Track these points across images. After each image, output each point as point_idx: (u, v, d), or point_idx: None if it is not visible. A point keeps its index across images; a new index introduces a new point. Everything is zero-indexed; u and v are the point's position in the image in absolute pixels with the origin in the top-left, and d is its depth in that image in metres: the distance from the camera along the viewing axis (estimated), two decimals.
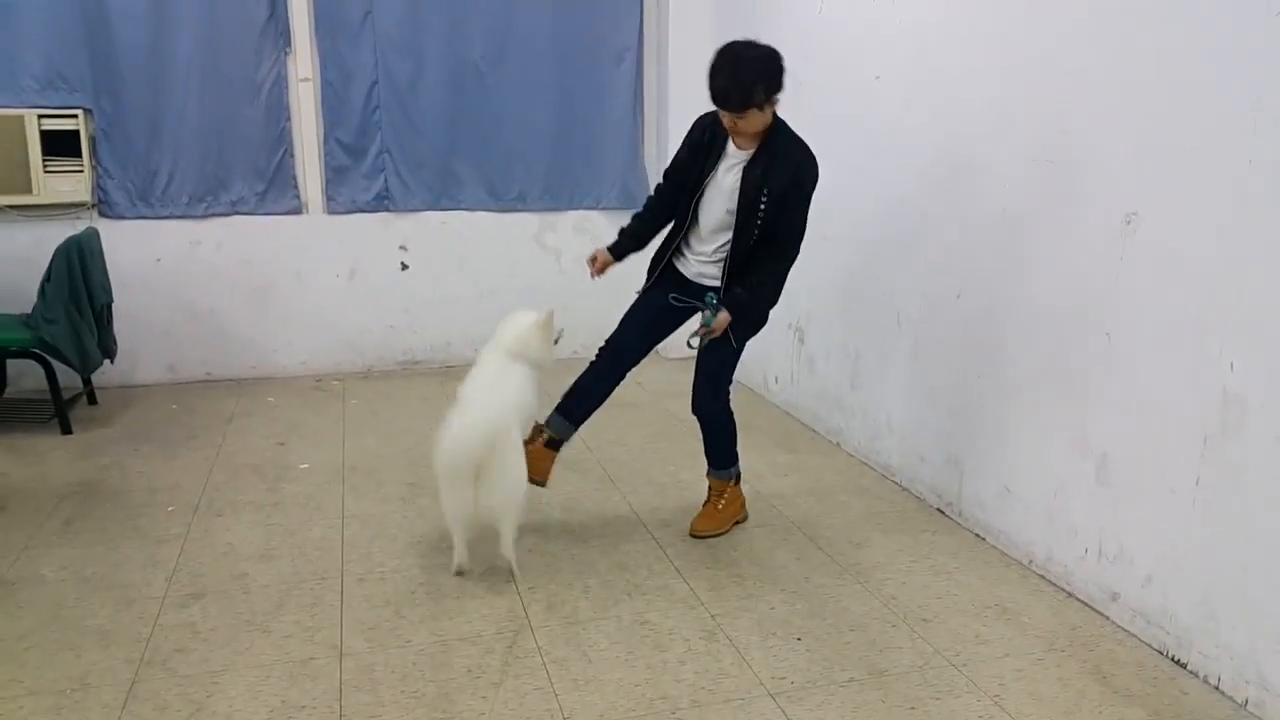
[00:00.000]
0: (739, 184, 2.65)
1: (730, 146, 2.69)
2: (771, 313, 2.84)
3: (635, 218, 2.96)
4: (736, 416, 2.95)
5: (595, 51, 4.87)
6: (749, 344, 2.85)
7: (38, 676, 2.20)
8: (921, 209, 3.22)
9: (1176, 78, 2.20)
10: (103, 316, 4.02)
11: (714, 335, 2.71)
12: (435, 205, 4.83)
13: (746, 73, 2.48)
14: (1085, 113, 2.46)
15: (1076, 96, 2.49)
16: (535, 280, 5.02)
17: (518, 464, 2.55)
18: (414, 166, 4.76)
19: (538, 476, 2.81)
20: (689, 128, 2.78)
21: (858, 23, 3.56)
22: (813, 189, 2.68)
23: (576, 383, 2.92)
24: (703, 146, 2.72)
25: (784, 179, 2.61)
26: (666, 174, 2.88)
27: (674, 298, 2.83)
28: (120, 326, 4.24)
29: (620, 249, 2.94)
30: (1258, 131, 2.01)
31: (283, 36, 4.46)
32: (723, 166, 2.69)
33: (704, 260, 2.80)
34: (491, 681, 2.18)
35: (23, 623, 2.43)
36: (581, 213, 5.04)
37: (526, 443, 2.71)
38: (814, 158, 2.66)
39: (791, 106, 4.19)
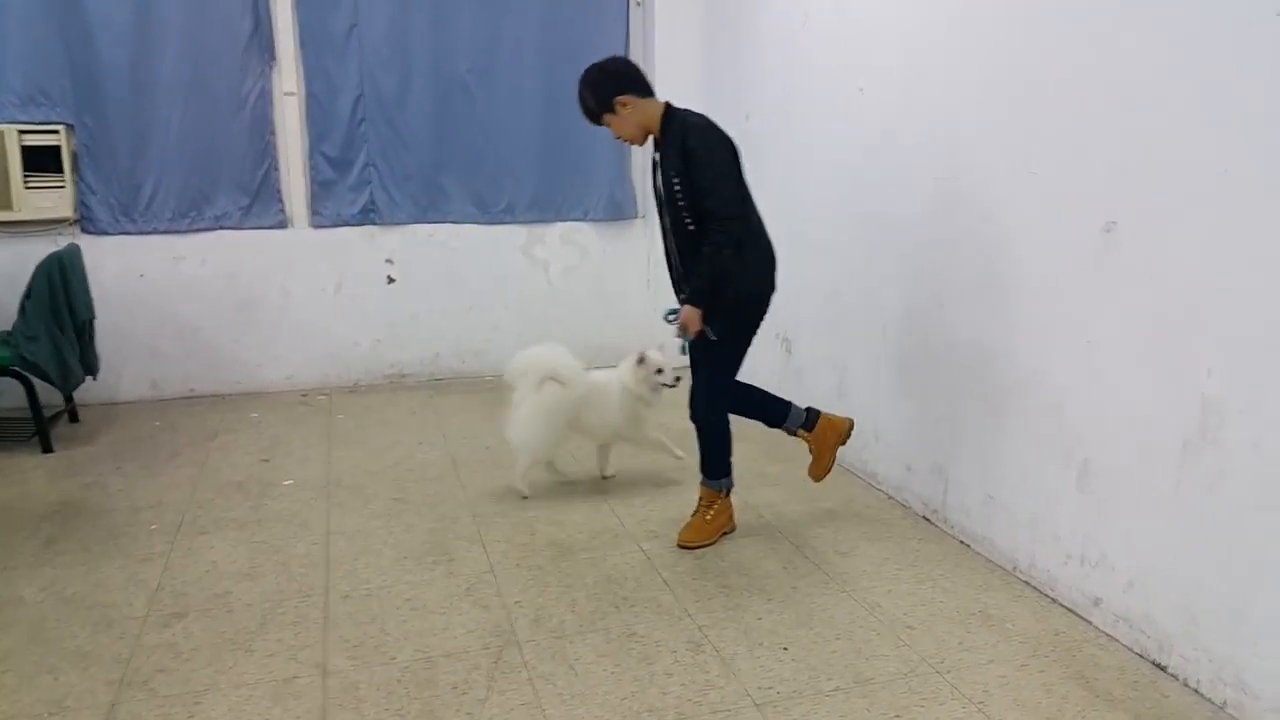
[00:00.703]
0: (662, 182, 2.76)
1: (658, 157, 2.82)
2: (763, 323, 2.88)
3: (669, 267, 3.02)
4: None
5: (582, 64, 4.83)
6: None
7: (14, 701, 2.17)
8: (906, 219, 3.24)
9: (1155, 88, 2.22)
10: (84, 333, 3.99)
11: (688, 331, 2.74)
12: (422, 218, 4.83)
13: (580, 91, 2.79)
14: (1065, 123, 2.49)
15: (1057, 107, 2.51)
16: (524, 293, 5.02)
17: (524, 416, 3.24)
18: (400, 179, 4.75)
19: (845, 425, 3.11)
20: None
21: (842, 34, 3.59)
22: (709, 152, 2.66)
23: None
24: (650, 172, 2.91)
25: (676, 152, 2.69)
26: None
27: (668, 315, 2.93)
28: (103, 343, 4.21)
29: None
30: (1235, 140, 2.03)
31: (267, 50, 4.46)
32: (656, 177, 2.82)
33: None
34: (477, 698, 2.17)
35: (0, 645, 2.40)
36: (569, 224, 5.05)
37: (808, 434, 3.08)
38: (702, 123, 2.71)
39: (776, 117, 4.22)
